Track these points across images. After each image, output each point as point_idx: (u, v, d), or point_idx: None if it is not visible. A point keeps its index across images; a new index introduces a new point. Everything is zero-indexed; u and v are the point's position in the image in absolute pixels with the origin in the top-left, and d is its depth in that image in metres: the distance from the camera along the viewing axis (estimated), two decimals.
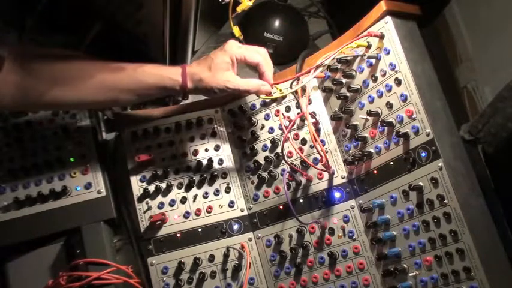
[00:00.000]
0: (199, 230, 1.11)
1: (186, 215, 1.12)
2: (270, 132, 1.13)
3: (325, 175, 1.07)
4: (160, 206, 1.12)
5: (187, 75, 1.03)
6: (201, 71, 1.03)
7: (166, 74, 1.04)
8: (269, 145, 1.12)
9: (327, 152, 1.08)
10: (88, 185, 1.15)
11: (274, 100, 1.13)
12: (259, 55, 1.06)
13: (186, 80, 1.03)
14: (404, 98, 0.96)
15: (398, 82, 0.97)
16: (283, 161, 1.10)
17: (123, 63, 1.05)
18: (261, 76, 1.06)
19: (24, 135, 1.16)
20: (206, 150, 1.15)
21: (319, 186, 1.08)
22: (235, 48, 1.04)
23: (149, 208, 1.12)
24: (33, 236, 1.13)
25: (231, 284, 1.09)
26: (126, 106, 1.27)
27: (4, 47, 0.97)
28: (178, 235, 1.11)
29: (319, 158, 1.06)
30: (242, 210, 1.13)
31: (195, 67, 1.04)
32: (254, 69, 1.08)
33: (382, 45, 0.99)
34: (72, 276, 1.08)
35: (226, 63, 1.03)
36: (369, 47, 1.02)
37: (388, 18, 0.98)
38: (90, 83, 1.02)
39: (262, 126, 1.14)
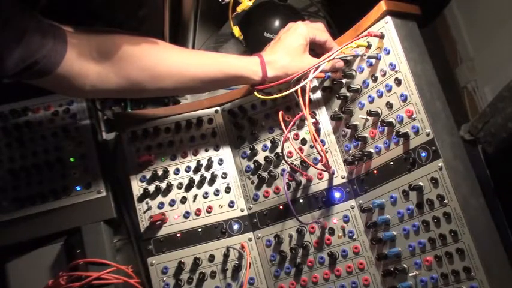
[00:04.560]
0: (199, 230, 1.11)
1: (186, 215, 1.12)
2: (270, 132, 1.13)
3: (325, 175, 1.07)
4: (160, 206, 1.12)
5: (265, 64, 1.03)
6: (280, 58, 1.03)
7: (246, 65, 1.03)
8: (269, 145, 1.12)
9: (327, 152, 1.08)
10: (88, 185, 1.14)
11: (274, 100, 1.13)
12: (326, 32, 1.06)
13: (266, 69, 1.03)
14: (404, 98, 0.96)
15: (398, 82, 0.97)
16: (283, 161, 1.10)
17: (196, 51, 1.01)
18: (327, 52, 1.04)
19: (24, 135, 1.16)
20: (206, 150, 1.15)
21: (319, 186, 1.08)
22: (306, 29, 1.04)
23: (149, 208, 1.12)
24: (33, 236, 1.13)
25: (231, 284, 1.09)
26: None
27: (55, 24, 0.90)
28: (178, 235, 1.11)
29: (319, 158, 1.06)
30: (242, 210, 1.13)
31: (271, 55, 1.04)
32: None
33: (382, 45, 0.99)
34: (72, 276, 1.08)
35: (302, 45, 1.03)
36: (369, 47, 1.02)
37: (388, 18, 0.98)
38: (172, 72, 0.99)
39: (262, 126, 1.14)
